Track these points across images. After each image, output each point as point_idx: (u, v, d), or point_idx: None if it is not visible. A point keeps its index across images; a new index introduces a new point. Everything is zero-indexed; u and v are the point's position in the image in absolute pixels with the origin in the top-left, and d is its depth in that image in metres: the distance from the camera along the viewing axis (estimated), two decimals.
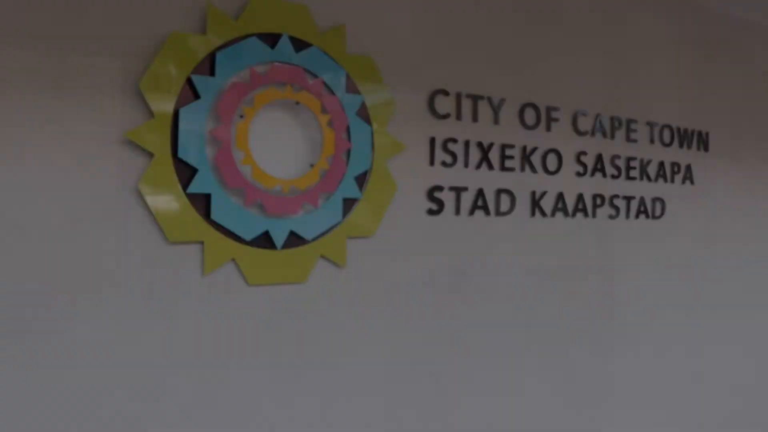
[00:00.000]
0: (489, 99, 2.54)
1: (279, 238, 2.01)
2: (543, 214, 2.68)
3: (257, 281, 2.00)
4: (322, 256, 2.12)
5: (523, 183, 2.62)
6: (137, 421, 1.85)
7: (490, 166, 2.53)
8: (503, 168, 2.56)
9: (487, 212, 2.51)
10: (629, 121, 2.99)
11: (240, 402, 2.01)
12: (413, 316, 2.34)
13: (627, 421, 2.99)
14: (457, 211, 2.44)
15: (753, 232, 3.60)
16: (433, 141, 2.39)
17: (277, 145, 2.03)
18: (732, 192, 3.47)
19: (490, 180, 2.53)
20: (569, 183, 2.77)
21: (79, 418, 1.78)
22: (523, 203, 2.62)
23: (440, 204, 2.39)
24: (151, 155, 1.84)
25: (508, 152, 2.58)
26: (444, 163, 2.41)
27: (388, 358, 2.29)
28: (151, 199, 1.84)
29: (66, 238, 1.77)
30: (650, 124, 3.08)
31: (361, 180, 2.18)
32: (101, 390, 1.80)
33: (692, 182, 3.26)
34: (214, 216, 1.91)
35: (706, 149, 3.34)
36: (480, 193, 2.49)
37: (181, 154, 1.86)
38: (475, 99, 2.50)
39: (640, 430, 3.03)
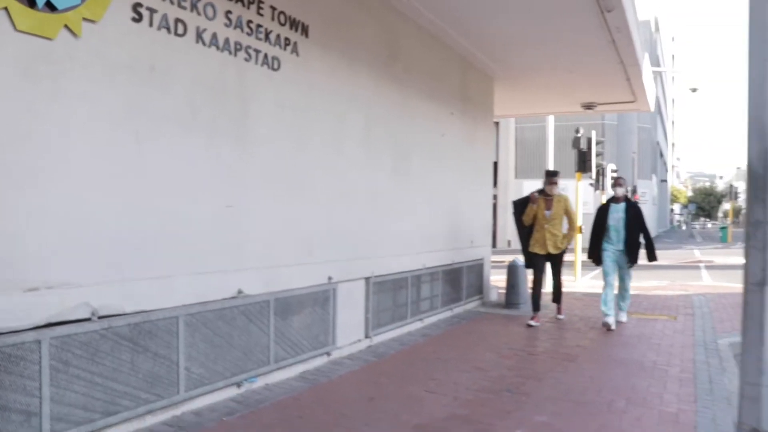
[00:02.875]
0: None
1: (40, 1, 3.22)
2: (204, 43, 4.29)
3: (22, 28, 3.19)
4: (66, 26, 3.39)
5: (193, 20, 4.19)
6: None
7: (172, 2, 4.03)
8: (179, 6, 4.09)
9: (169, 31, 4.02)
10: (260, 1, 4.78)
11: (7, 124, 3.16)
12: (123, 84, 3.72)
13: (260, 194, 4.80)
14: (151, 24, 3.89)
15: (348, 102, 5.78)
16: None
17: None
18: (327, 68, 5.57)
19: (173, 11, 4.03)
20: (221, 29, 4.42)
21: None
22: (191, 33, 4.19)
23: (140, 15, 3.82)
24: None
25: None
26: None
27: (109, 110, 3.63)
28: None
29: None
30: (273, 8, 4.93)
31: None
32: None
33: (297, 54, 5.23)
34: None
35: (307, 36, 5.34)
36: (165, 17, 3.98)
37: None
38: None
39: (272, 199, 4.87)
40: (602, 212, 8.29)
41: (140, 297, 3.88)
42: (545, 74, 10.21)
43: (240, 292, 4.66)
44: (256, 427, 4.07)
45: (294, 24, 5.19)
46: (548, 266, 8.70)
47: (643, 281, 14.01)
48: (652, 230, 55.59)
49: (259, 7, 4.80)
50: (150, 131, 3.92)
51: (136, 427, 3.87)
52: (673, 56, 77.45)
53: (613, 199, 8.26)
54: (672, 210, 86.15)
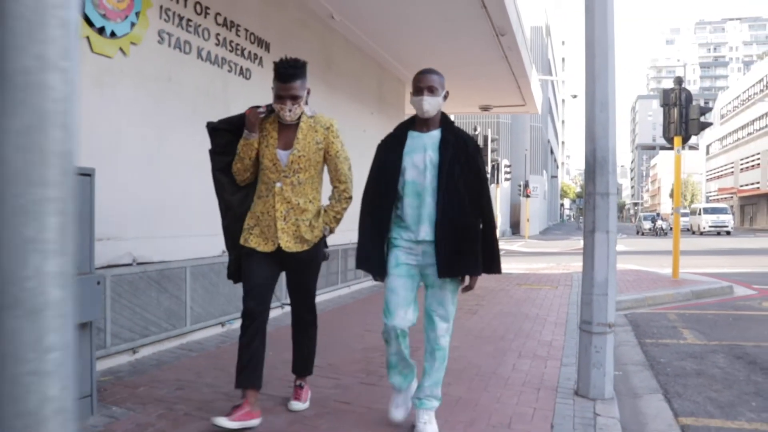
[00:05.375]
0: None
1: (108, 31, 4.59)
2: (202, 59, 5.71)
3: (96, 50, 4.55)
4: (120, 48, 4.76)
5: (195, 41, 5.59)
6: None
7: (182, 28, 5.44)
8: (186, 30, 5.50)
9: (180, 50, 5.43)
10: (237, 25, 6.23)
11: (85, 120, 4.50)
12: (152, 90, 5.10)
13: None
14: (169, 45, 5.29)
15: None
16: None
17: None
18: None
19: (182, 34, 5.43)
20: (213, 47, 5.85)
21: None
22: (194, 51, 5.61)
23: (162, 38, 5.21)
24: None
25: None
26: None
27: (143, 110, 5.01)
28: None
29: None
30: (246, 30, 6.39)
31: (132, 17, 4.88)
32: None
33: (262, 66, 6.71)
34: (86, 12, 4.40)
35: (268, 51, 6.82)
36: (178, 39, 5.39)
37: None
38: None
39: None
40: (387, 151, 3.70)
41: (162, 250, 5.28)
42: (450, 80, 11.93)
43: (224, 251, 6.11)
44: None
45: (260, 42, 6.68)
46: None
47: (533, 264, 16.24)
48: (543, 222, 54.69)
49: (237, 30, 6.26)
50: (167, 127, 5.33)
51: (159, 348, 5.27)
52: (563, 59, 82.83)
53: (414, 123, 3.67)
54: (562, 204, 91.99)
